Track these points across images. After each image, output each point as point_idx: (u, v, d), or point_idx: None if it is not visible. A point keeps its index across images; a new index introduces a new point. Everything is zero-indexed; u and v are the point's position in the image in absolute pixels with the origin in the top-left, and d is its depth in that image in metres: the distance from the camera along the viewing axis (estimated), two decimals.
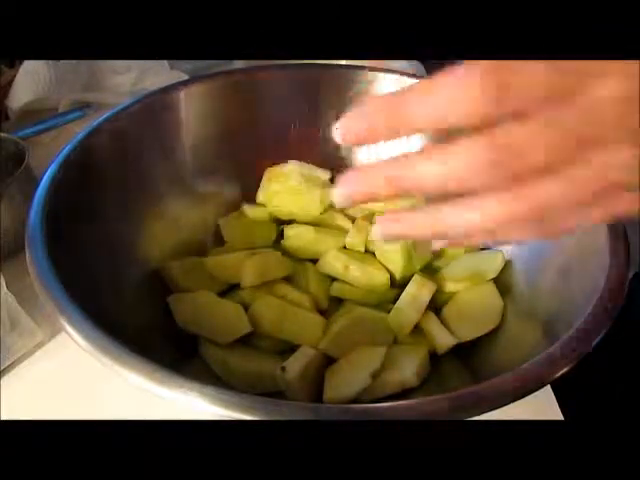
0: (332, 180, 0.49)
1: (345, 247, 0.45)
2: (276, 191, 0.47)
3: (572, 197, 0.20)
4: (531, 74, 0.19)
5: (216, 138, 0.48)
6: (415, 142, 0.50)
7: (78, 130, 0.40)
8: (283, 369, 0.34)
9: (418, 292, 0.39)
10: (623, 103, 0.19)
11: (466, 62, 0.20)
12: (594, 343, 0.28)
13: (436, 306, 0.41)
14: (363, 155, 0.52)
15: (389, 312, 0.39)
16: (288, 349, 0.39)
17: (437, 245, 0.27)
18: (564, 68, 0.19)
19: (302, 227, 0.45)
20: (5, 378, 0.39)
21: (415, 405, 0.26)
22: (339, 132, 0.22)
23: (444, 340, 0.38)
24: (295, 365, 0.35)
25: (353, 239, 0.44)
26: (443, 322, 0.40)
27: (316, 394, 0.35)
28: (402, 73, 0.50)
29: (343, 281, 0.42)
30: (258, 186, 0.49)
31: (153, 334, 0.37)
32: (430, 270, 0.44)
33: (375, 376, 0.35)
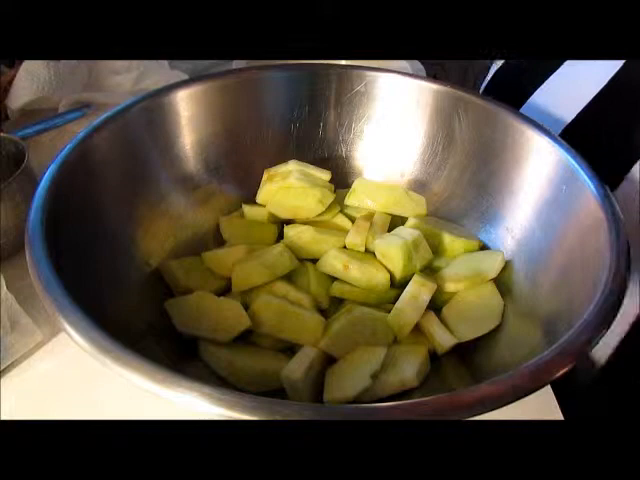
0: (332, 180, 0.49)
1: (345, 247, 0.45)
2: (276, 191, 0.47)
3: None
4: None
5: (216, 138, 0.48)
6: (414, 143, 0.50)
7: (78, 130, 0.40)
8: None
9: (418, 292, 0.39)
10: None
11: None
12: (594, 343, 0.28)
13: (436, 306, 0.41)
14: (363, 155, 0.52)
15: (389, 312, 0.39)
16: (289, 347, 0.39)
17: None
18: None
19: (302, 227, 0.45)
20: (5, 378, 0.39)
21: (415, 405, 0.26)
22: None
23: (444, 340, 0.38)
24: (299, 366, 0.35)
25: (353, 239, 0.44)
26: (443, 322, 0.40)
27: (317, 394, 0.35)
28: (402, 73, 0.50)
29: (343, 281, 0.42)
30: (258, 186, 0.49)
31: (153, 334, 0.37)
32: (430, 270, 0.44)
33: (375, 376, 0.35)
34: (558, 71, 0.51)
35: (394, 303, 0.40)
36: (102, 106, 0.64)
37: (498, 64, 0.59)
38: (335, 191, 0.49)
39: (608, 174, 0.38)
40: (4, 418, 0.36)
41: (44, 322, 0.41)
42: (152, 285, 0.41)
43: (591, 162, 0.39)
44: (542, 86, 0.52)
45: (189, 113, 0.46)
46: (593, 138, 0.42)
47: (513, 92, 0.55)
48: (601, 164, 0.38)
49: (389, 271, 0.42)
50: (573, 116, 0.48)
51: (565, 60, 0.50)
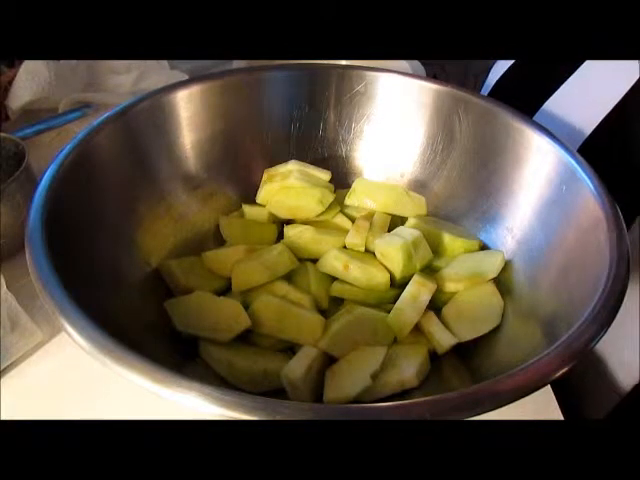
0: (332, 180, 0.49)
1: (345, 247, 0.45)
2: (276, 191, 0.47)
3: None
4: None
5: (216, 138, 0.48)
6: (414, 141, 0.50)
7: (78, 130, 0.40)
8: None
9: (418, 292, 0.39)
10: None
11: None
12: (594, 343, 0.28)
13: (436, 306, 0.41)
14: (363, 155, 0.52)
15: (389, 312, 0.39)
16: (289, 347, 0.39)
17: None
18: None
19: (302, 227, 0.45)
20: (5, 378, 0.39)
21: (414, 405, 0.26)
22: None
23: (444, 340, 0.38)
24: (299, 365, 0.35)
25: (353, 239, 0.44)
26: (443, 322, 0.40)
27: (317, 394, 0.35)
28: (402, 73, 0.50)
29: (343, 281, 0.42)
30: (258, 186, 0.49)
31: (153, 334, 0.37)
32: (430, 270, 0.44)
33: (375, 376, 0.35)
34: (573, 75, 0.48)
35: (394, 303, 0.40)
36: (102, 106, 0.64)
37: (498, 65, 0.57)
38: (335, 191, 0.49)
39: (637, 192, 0.36)
40: (4, 418, 0.36)
41: (44, 322, 0.41)
42: (152, 285, 0.41)
43: (618, 179, 0.38)
44: (556, 93, 0.49)
45: (189, 113, 0.46)
46: (618, 152, 0.40)
47: (523, 99, 0.51)
48: (630, 181, 0.36)
49: (389, 271, 0.42)
50: (593, 127, 0.45)
51: (580, 62, 0.47)
